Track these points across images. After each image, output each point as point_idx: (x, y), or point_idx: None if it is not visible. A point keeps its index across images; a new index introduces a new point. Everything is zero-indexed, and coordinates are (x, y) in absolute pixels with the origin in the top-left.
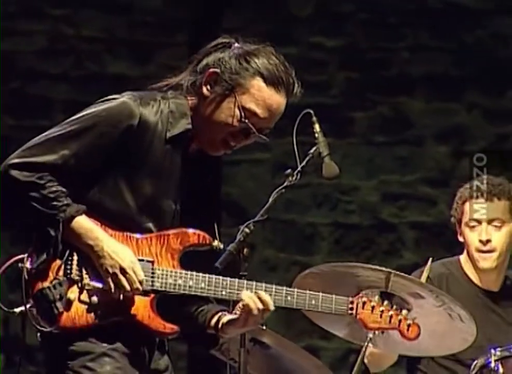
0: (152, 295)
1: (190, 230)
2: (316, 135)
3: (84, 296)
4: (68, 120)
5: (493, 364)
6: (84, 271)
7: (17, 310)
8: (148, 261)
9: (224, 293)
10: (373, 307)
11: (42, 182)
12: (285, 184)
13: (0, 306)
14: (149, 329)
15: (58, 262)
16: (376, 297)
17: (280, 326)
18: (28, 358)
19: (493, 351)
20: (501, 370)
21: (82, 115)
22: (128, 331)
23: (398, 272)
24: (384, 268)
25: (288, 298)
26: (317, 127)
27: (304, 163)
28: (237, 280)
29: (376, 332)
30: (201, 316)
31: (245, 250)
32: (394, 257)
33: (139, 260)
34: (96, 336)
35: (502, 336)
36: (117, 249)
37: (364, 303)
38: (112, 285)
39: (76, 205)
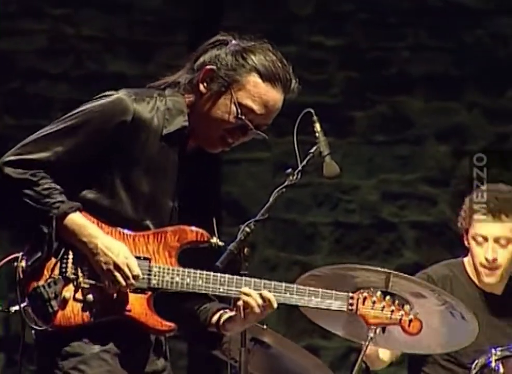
0: (149, 293)
1: (188, 227)
2: (316, 134)
3: (79, 295)
4: (63, 116)
5: (493, 364)
6: (79, 269)
7: (13, 309)
8: (145, 258)
9: (222, 290)
10: (373, 303)
11: (36, 179)
12: (285, 183)
13: None
14: (146, 326)
15: (53, 260)
16: (378, 293)
17: (280, 326)
18: (28, 358)
19: (493, 351)
20: (501, 369)
21: (76, 111)
22: (123, 331)
23: (397, 273)
24: (383, 269)
25: (288, 294)
26: (317, 126)
27: (304, 162)
28: (235, 276)
29: (377, 331)
30: (203, 314)
31: (245, 249)
32: (395, 256)
33: (136, 257)
34: (90, 336)
35: (505, 340)
36: (111, 245)
37: (364, 299)
38: (107, 281)
39: (70, 202)
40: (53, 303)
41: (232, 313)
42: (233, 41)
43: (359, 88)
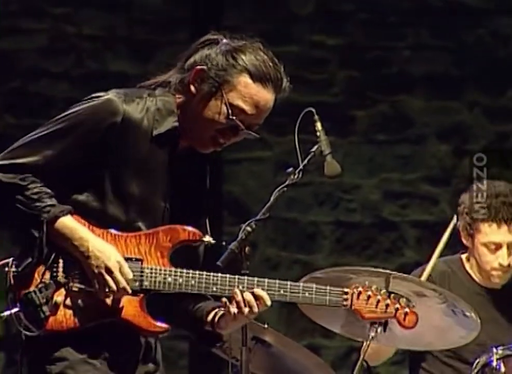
0: (141, 295)
1: (180, 227)
2: (318, 133)
3: (71, 299)
4: (53, 119)
5: (494, 363)
6: (71, 274)
7: (4, 314)
8: (136, 260)
9: (215, 289)
10: (368, 297)
11: (25, 183)
12: (287, 182)
13: None
14: (139, 328)
15: (44, 264)
16: (373, 287)
17: (281, 325)
18: None
19: (494, 350)
20: (502, 368)
21: (66, 114)
22: (113, 335)
23: (397, 274)
24: (383, 270)
25: (281, 292)
26: (318, 125)
27: (305, 161)
28: (228, 275)
29: (378, 330)
30: (198, 313)
31: (247, 249)
32: (396, 255)
33: (128, 259)
34: (79, 341)
35: (505, 334)
36: (102, 248)
37: (359, 293)
38: (98, 286)
39: (60, 206)
40: (45, 308)
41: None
42: (224, 40)
43: (360, 87)
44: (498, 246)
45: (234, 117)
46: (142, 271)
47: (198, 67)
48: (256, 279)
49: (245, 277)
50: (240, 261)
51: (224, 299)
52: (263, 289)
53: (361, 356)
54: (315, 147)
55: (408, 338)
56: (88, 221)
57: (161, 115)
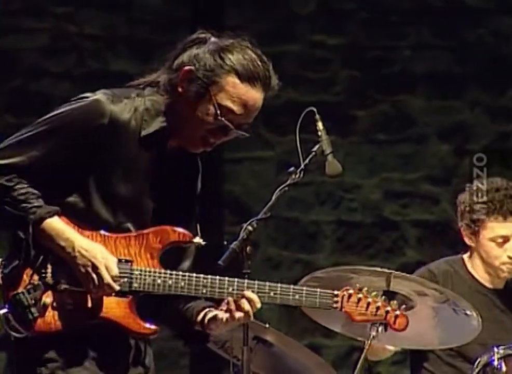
0: (130, 296)
1: (170, 228)
2: (319, 133)
3: (59, 300)
4: (39, 119)
5: (496, 363)
6: (59, 275)
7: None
8: (126, 261)
9: (204, 291)
10: (359, 299)
11: (11, 184)
12: (288, 182)
13: None
14: (128, 329)
15: (32, 266)
16: (364, 289)
17: (282, 325)
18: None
19: (496, 349)
20: (504, 368)
21: (53, 114)
22: (103, 337)
23: (398, 273)
24: (384, 270)
25: (272, 294)
26: (319, 125)
27: (306, 161)
28: (218, 277)
29: (379, 329)
30: (188, 313)
31: (248, 248)
32: (397, 255)
33: (118, 260)
34: (69, 342)
35: (507, 333)
36: (88, 247)
37: (350, 296)
38: (86, 284)
39: (47, 207)
40: (33, 309)
41: (216, 312)
42: (212, 39)
43: (361, 87)
44: (506, 239)
45: (223, 118)
46: (131, 273)
47: (186, 67)
48: (246, 281)
49: (236, 279)
50: (241, 260)
51: (219, 310)
52: (253, 291)
53: (362, 356)
54: (317, 146)
55: (410, 337)
56: (77, 222)
57: (150, 115)
